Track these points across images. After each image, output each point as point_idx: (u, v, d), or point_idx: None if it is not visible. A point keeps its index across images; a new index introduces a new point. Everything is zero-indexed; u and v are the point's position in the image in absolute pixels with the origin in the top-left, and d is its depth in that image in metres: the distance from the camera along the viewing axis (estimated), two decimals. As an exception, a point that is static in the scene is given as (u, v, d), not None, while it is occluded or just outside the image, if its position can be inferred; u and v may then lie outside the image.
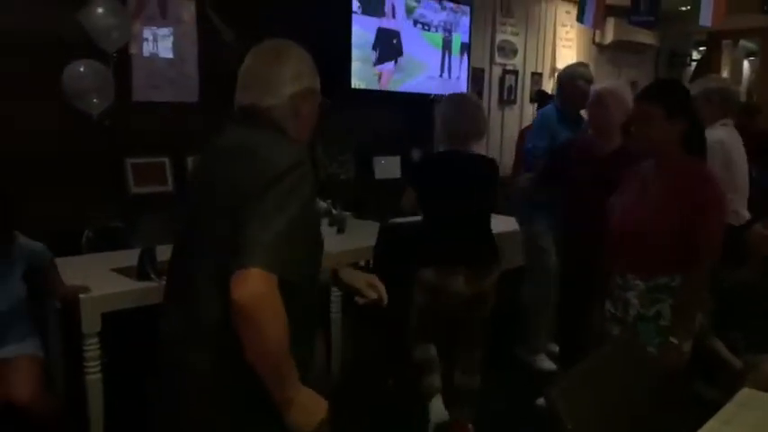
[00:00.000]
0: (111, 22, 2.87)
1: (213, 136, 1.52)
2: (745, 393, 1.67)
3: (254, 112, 1.43)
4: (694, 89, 2.86)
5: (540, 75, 5.71)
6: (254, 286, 1.18)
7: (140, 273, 2.47)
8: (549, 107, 3.55)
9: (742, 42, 7.63)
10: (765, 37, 6.90)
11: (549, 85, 5.77)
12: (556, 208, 3.10)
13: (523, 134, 4.20)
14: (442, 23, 4.47)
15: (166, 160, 3.34)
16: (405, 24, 4.22)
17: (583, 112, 3.19)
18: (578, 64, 3.69)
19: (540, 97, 4.73)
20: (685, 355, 2.01)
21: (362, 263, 3.21)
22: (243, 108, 1.46)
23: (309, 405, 1.30)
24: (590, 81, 3.32)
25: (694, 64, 7.51)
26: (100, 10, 2.85)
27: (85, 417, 2.39)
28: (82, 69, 2.88)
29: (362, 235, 3.26)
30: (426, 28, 4.37)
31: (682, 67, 7.23)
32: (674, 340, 1.97)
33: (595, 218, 2.32)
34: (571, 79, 3.37)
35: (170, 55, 3.31)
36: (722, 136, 2.85)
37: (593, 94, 2.83)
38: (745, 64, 8.14)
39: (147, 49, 3.25)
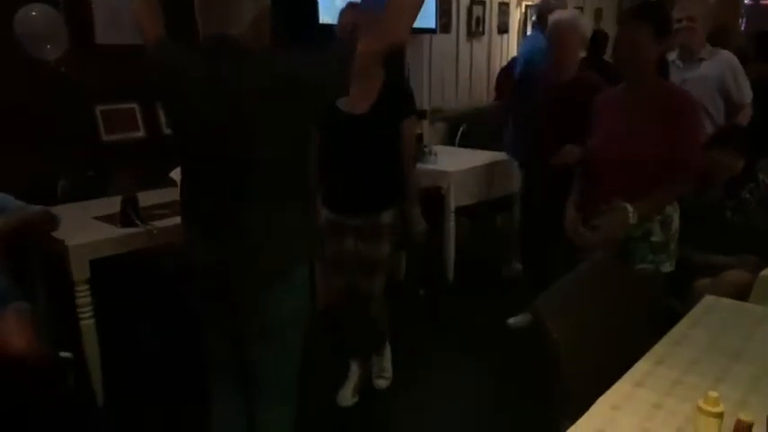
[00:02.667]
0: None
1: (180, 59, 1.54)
2: (708, 300, 1.82)
3: (223, 41, 1.47)
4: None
5: (507, 5, 5.67)
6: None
7: (124, 220, 2.49)
8: (535, 32, 3.63)
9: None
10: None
11: (515, 17, 5.74)
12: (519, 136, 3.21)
13: (511, 64, 4.25)
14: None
15: (136, 106, 3.28)
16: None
17: None
18: None
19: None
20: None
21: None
22: (210, 37, 1.49)
23: None
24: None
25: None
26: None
27: (82, 363, 2.45)
28: (33, 14, 2.75)
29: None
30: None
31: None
32: (628, 207, 2.02)
33: (552, 147, 2.39)
34: (545, 9, 3.46)
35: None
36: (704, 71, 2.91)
37: (550, 26, 2.87)
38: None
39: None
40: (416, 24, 2.62)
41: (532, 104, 2.97)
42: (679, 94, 2.15)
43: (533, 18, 4.13)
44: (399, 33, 1.64)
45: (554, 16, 2.92)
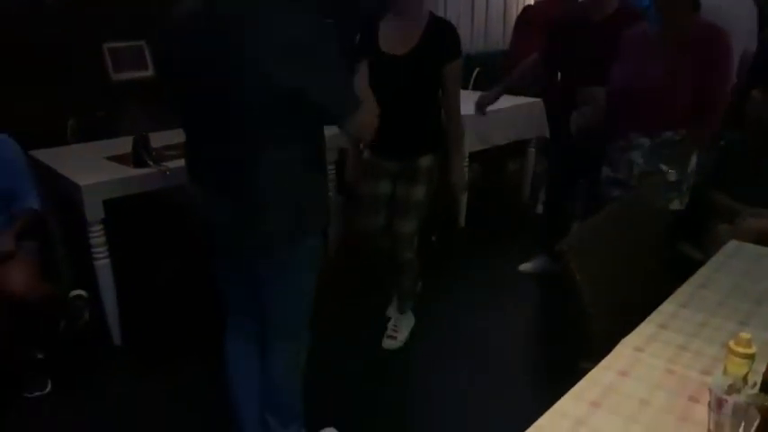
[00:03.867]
0: None
1: (177, 8, 1.49)
2: (732, 245, 1.79)
3: None
4: None
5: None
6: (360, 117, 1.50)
7: (136, 160, 2.46)
8: None
9: None
10: None
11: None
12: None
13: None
14: None
15: (143, 43, 3.20)
16: None
17: None
18: None
19: None
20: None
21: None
22: None
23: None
24: None
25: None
26: None
27: (98, 302, 2.47)
28: None
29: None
30: None
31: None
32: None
33: (598, 81, 2.30)
34: None
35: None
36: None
37: None
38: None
39: None
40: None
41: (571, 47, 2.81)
42: (711, 26, 2.10)
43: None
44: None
45: None
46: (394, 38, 2.23)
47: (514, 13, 5.20)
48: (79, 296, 2.57)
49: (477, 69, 4.56)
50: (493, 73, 4.58)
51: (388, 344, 2.57)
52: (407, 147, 2.35)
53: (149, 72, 3.21)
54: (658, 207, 2.12)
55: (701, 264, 1.68)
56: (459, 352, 2.55)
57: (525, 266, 3.27)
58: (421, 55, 2.22)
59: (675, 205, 2.20)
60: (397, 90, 2.21)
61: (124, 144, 2.58)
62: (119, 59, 3.11)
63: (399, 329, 2.62)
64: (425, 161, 2.36)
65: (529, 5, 5.11)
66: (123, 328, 2.52)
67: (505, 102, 3.79)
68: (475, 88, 4.53)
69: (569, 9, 2.91)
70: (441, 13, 4.73)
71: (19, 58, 2.75)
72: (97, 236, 2.36)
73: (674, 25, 2.07)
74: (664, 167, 2.14)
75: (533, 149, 4.14)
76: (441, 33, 2.24)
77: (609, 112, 2.21)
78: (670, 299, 1.44)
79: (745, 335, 1.03)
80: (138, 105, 3.01)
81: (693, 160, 2.19)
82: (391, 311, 2.70)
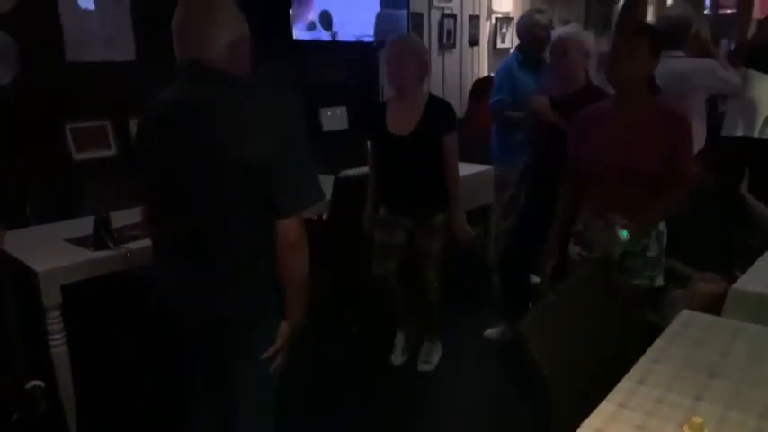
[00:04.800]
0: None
1: (158, 93, 1.55)
2: (685, 314, 1.85)
3: (198, 66, 1.47)
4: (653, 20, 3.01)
5: (478, 18, 5.73)
6: (299, 228, 1.48)
7: (97, 242, 2.43)
8: (510, 56, 3.66)
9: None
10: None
11: (485, 29, 5.80)
12: (525, 147, 3.20)
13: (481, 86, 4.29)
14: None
15: (107, 123, 3.22)
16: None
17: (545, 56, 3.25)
18: (535, 11, 3.77)
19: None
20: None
21: (315, 217, 3.23)
22: (185, 62, 1.49)
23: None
24: (546, 27, 3.46)
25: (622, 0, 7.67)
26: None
27: (54, 391, 2.38)
28: None
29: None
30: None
31: (612, 3, 7.39)
32: (617, 225, 2.08)
33: (563, 157, 2.41)
34: (529, 28, 3.51)
35: (100, 10, 3.14)
36: (683, 68, 3.03)
37: (554, 44, 2.87)
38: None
39: (77, 5, 3.06)
40: (389, 38, 2.74)
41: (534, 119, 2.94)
42: (672, 110, 2.19)
43: (503, 31, 4.08)
44: None
45: (556, 32, 2.95)
46: (399, 119, 2.64)
47: (468, 82, 5.45)
48: (37, 387, 2.47)
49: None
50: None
51: (424, 367, 2.97)
52: (421, 208, 2.74)
53: (113, 151, 3.23)
54: (641, 287, 2.17)
55: (660, 329, 1.72)
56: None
57: (490, 332, 3.29)
58: (422, 133, 2.60)
59: (659, 282, 2.24)
60: (404, 163, 2.66)
61: (85, 224, 2.55)
62: (81, 139, 3.12)
63: (431, 353, 3.01)
64: (439, 219, 2.73)
65: (479, 78, 5.40)
66: (80, 418, 2.42)
67: (466, 168, 3.90)
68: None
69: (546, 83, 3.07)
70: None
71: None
72: (54, 322, 2.30)
73: (631, 108, 2.15)
74: (644, 242, 2.19)
75: (497, 211, 4.22)
76: (438, 111, 2.65)
77: (575, 191, 2.28)
78: (628, 375, 1.47)
79: (697, 419, 1.06)
80: (100, 184, 3.00)
81: (665, 234, 2.25)
82: (396, 357, 3.04)
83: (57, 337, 2.31)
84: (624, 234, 2.05)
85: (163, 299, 1.63)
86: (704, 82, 3.15)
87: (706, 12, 8.41)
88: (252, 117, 1.44)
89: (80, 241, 2.51)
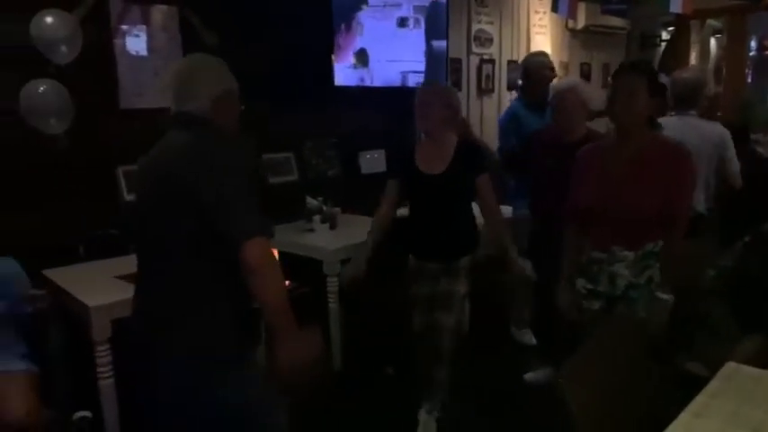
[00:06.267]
0: (59, 34, 2.70)
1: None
2: (730, 367, 1.80)
3: (183, 116, 1.74)
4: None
5: (516, 62, 5.80)
6: (263, 249, 1.53)
7: (145, 279, 2.53)
8: (514, 102, 3.75)
9: (709, 21, 7.84)
10: (730, 16, 7.11)
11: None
12: (527, 193, 3.27)
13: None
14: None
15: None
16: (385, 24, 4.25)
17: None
18: (540, 53, 3.95)
19: None
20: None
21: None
22: (175, 114, 1.76)
23: (306, 339, 1.58)
24: (553, 69, 3.68)
25: (664, 44, 7.68)
26: (49, 20, 2.69)
27: (101, 420, 2.45)
28: (40, 90, 2.72)
29: (354, 230, 3.34)
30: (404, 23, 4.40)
31: (653, 47, 7.40)
32: (662, 295, 2.13)
33: (564, 201, 2.44)
34: (539, 68, 3.61)
35: (154, 61, 3.32)
36: (677, 125, 3.06)
37: (553, 96, 2.98)
38: (712, 42, 8.36)
39: (131, 56, 3.25)
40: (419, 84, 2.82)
41: (543, 165, 3.00)
42: (675, 146, 2.23)
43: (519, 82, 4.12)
44: None
45: (555, 86, 3.07)
46: (430, 160, 2.68)
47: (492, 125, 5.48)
48: (84, 418, 2.55)
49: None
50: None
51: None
52: (449, 251, 2.69)
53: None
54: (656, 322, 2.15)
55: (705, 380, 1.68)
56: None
57: (529, 376, 3.25)
58: (454, 173, 2.63)
59: (667, 296, 2.23)
60: (435, 203, 2.68)
61: (133, 262, 2.64)
62: (132, 181, 3.26)
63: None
64: (465, 262, 2.69)
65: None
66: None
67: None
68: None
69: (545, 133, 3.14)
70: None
71: (35, 181, 2.91)
72: (104, 355, 2.39)
73: (633, 143, 2.19)
74: (648, 273, 2.19)
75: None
76: (469, 153, 2.68)
77: (580, 231, 2.31)
78: (669, 429, 1.45)
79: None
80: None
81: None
82: (423, 413, 2.82)
83: (105, 369, 2.40)
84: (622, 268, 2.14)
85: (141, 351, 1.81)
86: (717, 150, 3.16)
87: (752, 54, 8.33)
88: (206, 155, 1.62)
89: (130, 278, 2.60)
